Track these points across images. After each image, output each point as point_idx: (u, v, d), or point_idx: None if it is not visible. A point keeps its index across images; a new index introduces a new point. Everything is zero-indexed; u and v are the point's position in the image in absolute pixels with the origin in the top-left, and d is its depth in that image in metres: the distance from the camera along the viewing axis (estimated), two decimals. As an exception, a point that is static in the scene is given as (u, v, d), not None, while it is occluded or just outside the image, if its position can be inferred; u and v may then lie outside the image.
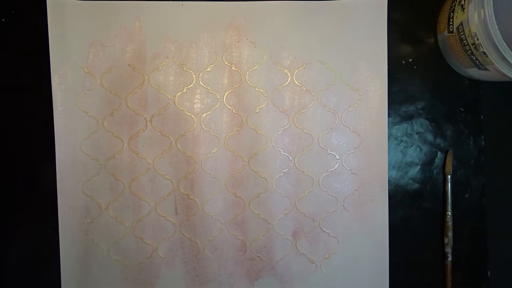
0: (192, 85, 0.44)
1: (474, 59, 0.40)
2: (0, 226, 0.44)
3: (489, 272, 0.46)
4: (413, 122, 0.46)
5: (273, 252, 0.45)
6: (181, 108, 0.44)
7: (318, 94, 0.44)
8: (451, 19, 0.41)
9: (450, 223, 0.45)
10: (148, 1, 0.44)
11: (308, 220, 0.45)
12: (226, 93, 0.44)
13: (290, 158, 0.45)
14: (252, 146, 0.44)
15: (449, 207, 0.45)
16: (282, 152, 0.44)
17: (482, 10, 0.36)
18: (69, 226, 0.44)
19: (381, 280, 0.45)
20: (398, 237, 0.45)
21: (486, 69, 0.40)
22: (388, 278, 0.45)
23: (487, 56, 0.37)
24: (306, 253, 0.45)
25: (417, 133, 0.46)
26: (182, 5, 0.44)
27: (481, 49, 0.37)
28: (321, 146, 0.45)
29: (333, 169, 0.45)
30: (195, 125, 0.44)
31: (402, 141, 0.46)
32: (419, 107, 0.46)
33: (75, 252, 0.44)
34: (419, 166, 0.46)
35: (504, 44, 0.35)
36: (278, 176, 0.45)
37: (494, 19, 0.35)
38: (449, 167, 0.45)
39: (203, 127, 0.44)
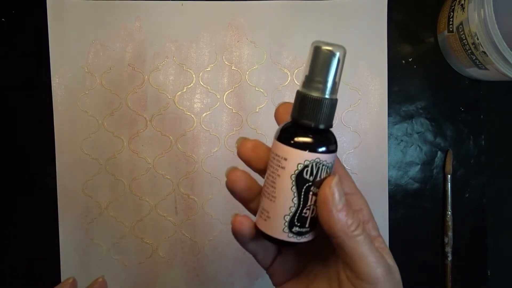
0: (192, 84, 0.44)
1: (474, 58, 0.40)
2: (0, 226, 0.44)
3: (489, 272, 0.46)
4: (413, 121, 0.46)
5: (273, 252, 0.45)
6: (181, 107, 0.44)
7: (318, 94, 0.44)
8: (451, 19, 0.41)
9: (450, 223, 0.45)
10: (148, 1, 0.44)
11: (308, 220, 0.45)
12: (226, 92, 0.44)
13: (290, 158, 0.44)
14: (252, 146, 0.44)
15: (449, 207, 0.45)
16: (282, 152, 0.44)
17: (482, 10, 0.36)
18: (69, 226, 0.44)
19: (381, 280, 0.45)
20: (398, 237, 0.45)
21: (486, 69, 0.40)
22: (388, 278, 0.45)
23: (487, 55, 0.37)
24: (306, 253, 0.45)
25: (417, 133, 0.46)
26: (182, 5, 0.44)
27: (481, 49, 0.37)
28: (321, 146, 0.45)
29: (333, 169, 0.45)
30: (195, 124, 0.44)
31: (402, 140, 0.46)
32: (419, 106, 0.46)
33: (75, 252, 0.44)
34: (419, 166, 0.46)
35: (504, 43, 0.35)
36: (278, 176, 0.45)
37: (494, 18, 0.35)
38: (449, 167, 0.45)
39: (203, 126, 0.44)
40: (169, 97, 0.44)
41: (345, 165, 0.45)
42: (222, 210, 0.45)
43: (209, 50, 0.44)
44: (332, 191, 0.22)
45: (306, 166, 0.23)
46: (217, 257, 0.45)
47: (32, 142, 0.44)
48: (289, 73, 0.44)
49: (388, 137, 0.45)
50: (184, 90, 0.44)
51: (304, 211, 0.23)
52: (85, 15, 0.43)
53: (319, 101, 0.23)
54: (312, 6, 0.44)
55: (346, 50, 0.24)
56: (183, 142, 0.44)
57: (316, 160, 0.23)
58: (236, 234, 0.26)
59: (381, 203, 0.45)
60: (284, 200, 0.23)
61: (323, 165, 0.23)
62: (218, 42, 0.44)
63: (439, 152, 0.46)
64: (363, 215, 0.26)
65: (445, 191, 0.46)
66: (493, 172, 0.46)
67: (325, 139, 0.23)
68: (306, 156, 0.22)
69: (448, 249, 0.45)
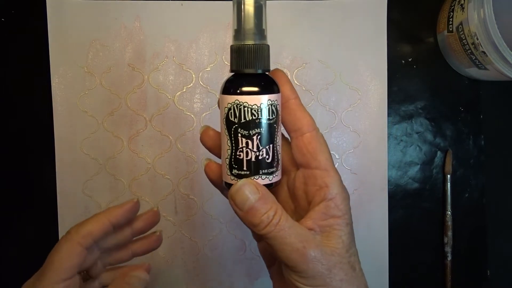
0: (191, 84, 0.44)
1: (473, 58, 0.40)
2: (0, 226, 0.44)
3: (489, 272, 0.46)
4: (413, 121, 0.46)
5: (273, 252, 0.45)
6: (181, 107, 0.44)
7: (317, 94, 0.44)
8: (451, 19, 0.41)
9: (449, 223, 0.45)
10: (148, 1, 0.44)
11: (308, 219, 0.45)
12: (226, 92, 0.44)
13: (290, 158, 0.45)
14: (252, 146, 0.44)
15: (449, 207, 0.45)
16: (282, 151, 0.44)
17: (481, 10, 0.36)
18: (69, 226, 0.44)
19: (381, 280, 0.45)
20: (398, 237, 0.45)
21: (485, 69, 0.40)
22: (388, 278, 0.45)
23: (487, 55, 0.37)
24: (306, 252, 0.45)
25: (417, 133, 0.46)
26: (182, 4, 0.44)
27: (481, 49, 0.37)
28: (321, 145, 0.45)
29: (333, 168, 0.45)
30: (195, 124, 0.44)
31: (401, 140, 0.46)
32: (419, 106, 0.46)
33: (75, 251, 0.44)
34: (418, 166, 0.46)
35: (504, 43, 0.35)
36: (278, 175, 0.45)
37: (493, 18, 0.35)
38: (448, 167, 0.45)
39: (203, 126, 0.44)
40: (169, 97, 0.44)
41: (344, 165, 0.45)
42: (222, 210, 0.45)
43: (209, 50, 0.44)
44: (233, 199, 0.24)
45: (230, 109, 0.24)
46: (217, 257, 0.45)
47: (32, 142, 0.44)
48: (288, 73, 0.44)
49: (388, 137, 0.45)
50: (184, 90, 0.44)
51: (238, 153, 0.25)
52: (85, 15, 0.43)
53: (242, 48, 0.25)
54: (312, 6, 0.44)
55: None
56: (183, 142, 0.44)
57: (235, 101, 0.24)
58: (207, 177, 0.28)
59: (380, 203, 0.45)
60: (223, 144, 0.25)
61: (244, 107, 0.24)
62: (218, 42, 0.44)
63: (438, 152, 0.46)
64: (325, 193, 0.25)
65: (444, 191, 0.46)
66: (493, 172, 0.46)
67: (243, 81, 0.25)
68: (228, 99, 0.24)
69: (448, 249, 0.45)
